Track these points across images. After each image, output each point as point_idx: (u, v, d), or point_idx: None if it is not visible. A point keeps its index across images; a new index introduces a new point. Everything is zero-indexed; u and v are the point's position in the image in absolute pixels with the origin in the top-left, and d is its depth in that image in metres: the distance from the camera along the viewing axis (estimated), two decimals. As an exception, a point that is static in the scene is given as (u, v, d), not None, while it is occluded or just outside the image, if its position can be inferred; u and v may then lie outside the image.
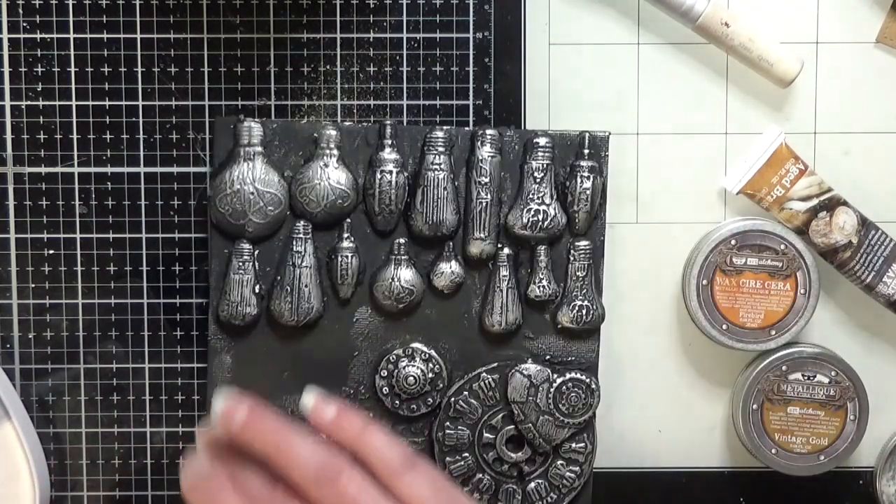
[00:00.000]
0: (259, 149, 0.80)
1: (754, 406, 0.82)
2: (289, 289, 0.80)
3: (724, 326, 0.82)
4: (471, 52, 0.83)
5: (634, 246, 0.84)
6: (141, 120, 0.83)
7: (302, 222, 0.80)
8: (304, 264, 0.80)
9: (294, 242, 0.80)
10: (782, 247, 0.81)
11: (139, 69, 0.82)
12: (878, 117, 0.84)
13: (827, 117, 0.83)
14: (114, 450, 0.84)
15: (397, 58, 0.83)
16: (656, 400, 0.85)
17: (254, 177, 0.80)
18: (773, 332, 0.82)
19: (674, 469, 0.86)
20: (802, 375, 0.82)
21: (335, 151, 0.80)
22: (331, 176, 0.80)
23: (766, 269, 0.81)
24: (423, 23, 0.83)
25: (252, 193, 0.80)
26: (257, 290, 0.81)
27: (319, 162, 0.80)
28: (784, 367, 0.82)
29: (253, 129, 0.79)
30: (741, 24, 0.80)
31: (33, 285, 0.83)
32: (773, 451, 0.82)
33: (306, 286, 0.80)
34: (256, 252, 0.81)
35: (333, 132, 0.80)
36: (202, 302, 0.84)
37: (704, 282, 0.81)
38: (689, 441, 0.86)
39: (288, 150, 0.80)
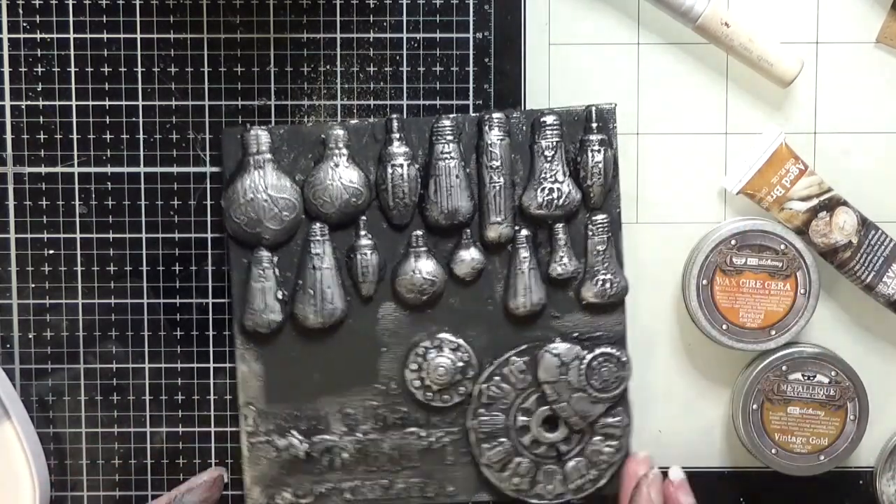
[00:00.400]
0: (268, 156, 0.80)
1: (754, 406, 0.82)
2: (311, 292, 0.80)
3: (724, 326, 0.82)
4: (471, 52, 0.83)
5: (634, 246, 0.84)
6: (141, 120, 0.83)
7: (318, 224, 0.80)
8: (324, 266, 0.80)
9: (312, 245, 0.80)
10: (782, 247, 0.81)
11: (139, 69, 0.82)
12: (878, 117, 0.84)
13: (827, 117, 0.83)
14: (114, 450, 0.84)
15: (397, 58, 0.83)
16: (656, 400, 0.85)
17: (266, 184, 0.80)
18: (773, 332, 0.82)
19: (674, 469, 0.86)
20: (802, 375, 0.82)
21: (344, 151, 0.80)
22: (342, 175, 0.80)
23: (766, 269, 0.81)
24: (423, 23, 0.83)
25: (266, 201, 0.80)
26: (280, 297, 0.81)
27: (329, 162, 0.80)
28: (784, 367, 0.82)
29: (260, 136, 0.79)
30: (741, 24, 0.80)
31: (33, 285, 0.83)
32: (773, 451, 0.82)
33: (328, 287, 0.80)
34: (275, 259, 0.81)
35: (341, 132, 0.80)
36: (202, 302, 0.84)
37: (704, 282, 0.81)
38: (689, 441, 0.86)
39: (297, 154, 0.80)
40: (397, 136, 0.80)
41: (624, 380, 0.81)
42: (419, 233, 0.81)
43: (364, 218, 0.81)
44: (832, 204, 0.81)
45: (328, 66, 0.83)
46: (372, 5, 0.83)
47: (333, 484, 0.82)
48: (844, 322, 0.85)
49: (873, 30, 0.83)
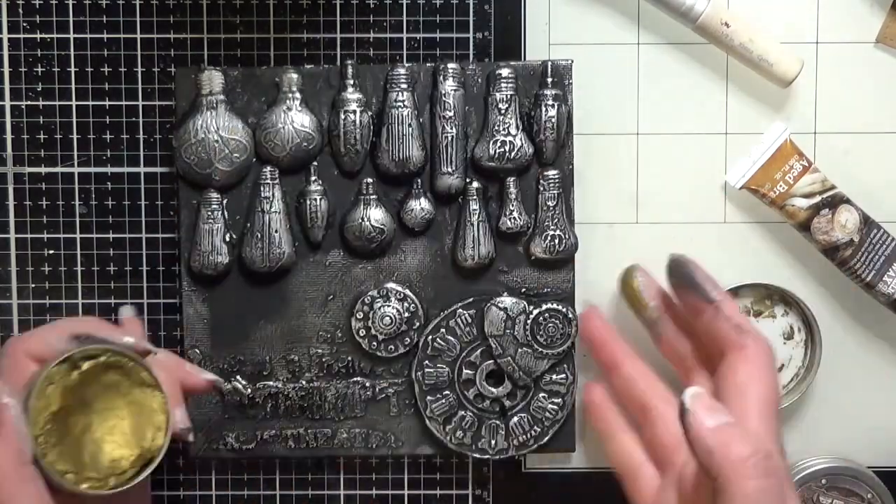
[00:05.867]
0: (221, 97, 0.79)
1: None
2: (259, 235, 0.80)
3: None
4: (471, 52, 0.83)
5: (634, 246, 0.84)
6: (140, 120, 0.83)
7: (268, 168, 0.80)
8: (272, 209, 0.80)
9: (261, 188, 0.80)
10: (869, 496, 0.82)
11: (139, 69, 0.82)
12: (879, 117, 0.84)
13: (827, 117, 0.84)
14: (114, 450, 0.84)
15: (397, 58, 0.83)
16: (656, 400, 0.85)
17: (217, 125, 0.79)
18: None
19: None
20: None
21: (297, 95, 0.80)
22: (294, 119, 0.80)
23: None
24: (423, 23, 0.83)
25: (216, 141, 0.79)
26: (228, 239, 0.80)
27: (282, 106, 0.80)
28: (823, 481, 0.83)
29: (214, 77, 0.79)
30: (741, 24, 0.80)
31: (33, 285, 0.83)
32: None
33: (276, 231, 0.80)
34: (225, 201, 0.81)
35: (295, 75, 0.80)
36: (202, 302, 0.84)
37: None
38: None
39: (251, 96, 0.80)
40: (351, 82, 0.80)
41: (570, 336, 0.81)
42: (370, 180, 0.81)
43: (315, 163, 0.81)
44: (835, 202, 0.81)
45: (328, 66, 0.83)
46: (372, 5, 0.83)
47: (276, 431, 0.82)
48: (844, 321, 0.85)
49: (873, 30, 0.83)
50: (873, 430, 0.85)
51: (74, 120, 0.83)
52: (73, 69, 0.82)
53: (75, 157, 0.83)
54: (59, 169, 0.83)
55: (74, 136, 0.83)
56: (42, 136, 0.82)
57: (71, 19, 0.82)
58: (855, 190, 0.82)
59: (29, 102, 0.82)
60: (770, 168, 0.82)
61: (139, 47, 0.82)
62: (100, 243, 0.83)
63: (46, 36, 0.82)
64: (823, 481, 0.83)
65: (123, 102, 0.83)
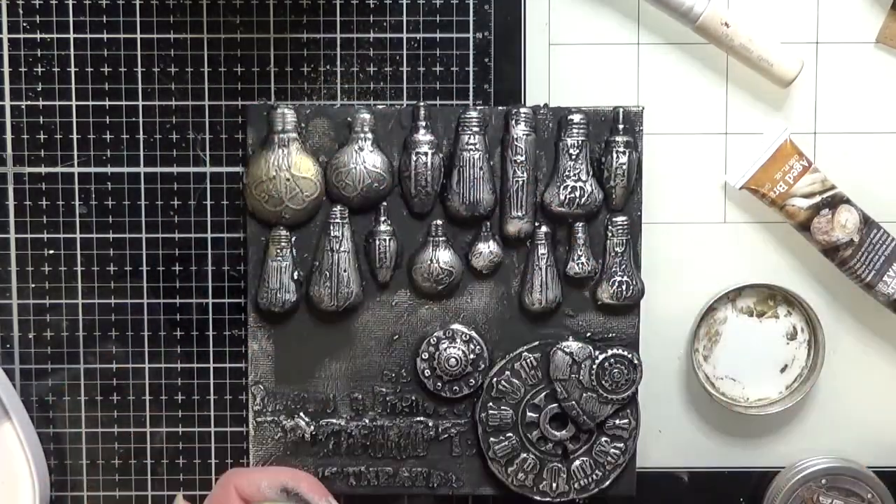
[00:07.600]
0: (293, 135, 0.79)
1: None
2: (327, 274, 0.80)
3: None
4: (471, 52, 0.83)
5: (634, 246, 0.84)
6: (141, 120, 0.83)
7: (338, 207, 0.80)
8: (341, 249, 0.80)
9: (331, 227, 0.80)
10: (869, 496, 0.82)
11: (139, 69, 0.82)
12: (878, 117, 0.84)
13: (827, 117, 0.84)
14: (114, 450, 0.84)
15: (397, 58, 0.83)
16: (656, 400, 0.85)
17: (289, 163, 0.79)
18: None
19: (674, 469, 0.86)
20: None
21: (369, 135, 0.80)
22: (366, 159, 0.80)
23: None
24: (423, 23, 0.83)
25: (288, 180, 0.79)
26: (296, 277, 0.80)
27: (354, 146, 0.80)
28: (823, 481, 0.83)
29: (286, 115, 0.79)
30: (741, 24, 0.80)
31: (33, 285, 0.83)
32: None
33: (345, 271, 0.80)
34: (294, 238, 0.81)
35: (367, 115, 0.79)
36: (202, 302, 0.84)
37: None
38: (689, 441, 0.86)
39: (322, 134, 0.80)
40: (423, 124, 0.80)
41: (634, 382, 0.81)
42: (439, 222, 0.81)
43: (385, 204, 0.81)
44: (835, 202, 0.82)
45: (328, 66, 0.83)
46: (372, 5, 0.83)
47: (338, 468, 0.82)
48: (844, 321, 0.85)
49: (873, 30, 0.83)
50: (873, 430, 0.85)
51: (74, 120, 0.83)
52: (73, 69, 0.82)
53: (75, 157, 0.83)
54: (59, 169, 0.83)
55: (74, 136, 0.83)
56: (42, 136, 0.82)
57: (71, 19, 0.82)
58: (855, 190, 0.83)
59: (29, 102, 0.82)
60: (770, 168, 0.82)
61: (139, 47, 0.82)
62: (100, 243, 0.83)
63: (46, 36, 0.82)
64: (823, 481, 0.83)
65: (123, 102, 0.83)
